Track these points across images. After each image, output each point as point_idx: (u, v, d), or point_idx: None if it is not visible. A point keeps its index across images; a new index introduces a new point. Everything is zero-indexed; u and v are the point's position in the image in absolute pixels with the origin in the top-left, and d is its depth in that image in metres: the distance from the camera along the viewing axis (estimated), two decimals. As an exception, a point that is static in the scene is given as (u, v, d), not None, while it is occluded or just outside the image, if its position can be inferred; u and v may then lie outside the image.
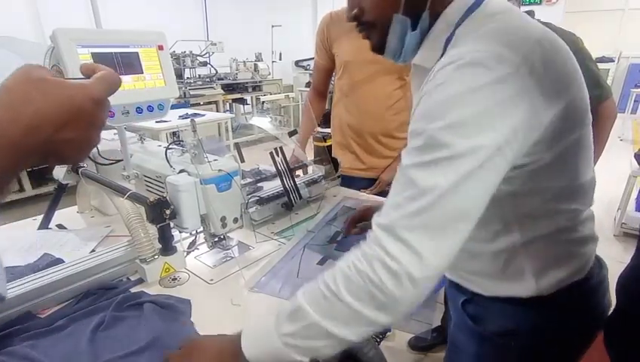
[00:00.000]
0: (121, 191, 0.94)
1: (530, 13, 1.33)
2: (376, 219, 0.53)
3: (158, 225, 0.89)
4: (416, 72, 0.66)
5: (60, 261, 0.95)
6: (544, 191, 0.61)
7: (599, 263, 0.72)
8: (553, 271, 0.65)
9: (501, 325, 0.70)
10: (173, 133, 3.52)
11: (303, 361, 0.53)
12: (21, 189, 3.61)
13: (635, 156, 2.81)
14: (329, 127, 1.78)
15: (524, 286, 0.66)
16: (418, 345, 1.90)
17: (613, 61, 6.05)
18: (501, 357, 0.72)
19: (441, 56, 0.56)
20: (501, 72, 0.49)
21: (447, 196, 0.48)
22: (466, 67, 0.50)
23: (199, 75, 5.94)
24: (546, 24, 1.21)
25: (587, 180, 0.64)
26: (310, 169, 1.55)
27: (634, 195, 3.01)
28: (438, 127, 0.49)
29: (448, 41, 0.57)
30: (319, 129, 1.59)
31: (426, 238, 0.48)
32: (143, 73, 0.92)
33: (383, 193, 1.50)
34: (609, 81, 5.72)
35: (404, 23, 0.59)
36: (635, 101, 5.42)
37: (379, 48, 0.65)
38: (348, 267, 0.51)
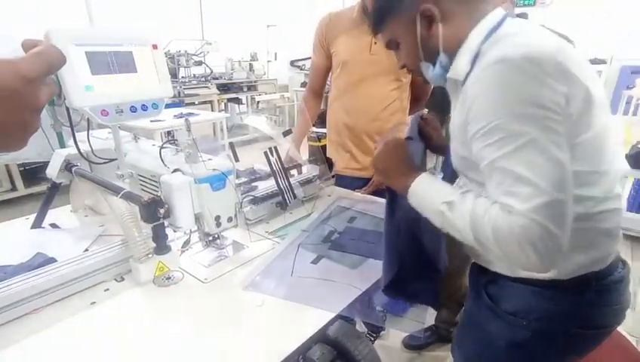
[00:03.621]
0: (115, 190, 0.93)
1: (523, 16, 1.35)
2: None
3: (152, 225, 0.89)
4: (449, 84, 0.80)
5: (52, 260, 0.94)
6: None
7: (622, 262, 0.78)
8: (572, 256, 0.70)
9: (515, 304, 0.78)
10: (168, 133, 3.50)
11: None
12: (14, 188, 3.57)
13: (626, 156, 2.84)
14: (324, 127, 1.78)
15: None
16: (412, 343, 1.92)
17: (606, 63, 6.11)
18: (513, 334, 0.78)
19: (471, 69, 0.69)
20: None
21: None
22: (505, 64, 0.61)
23: (194, 75, 5.90)
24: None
25: (605, 170, 0.68)
26: (304, 168, 1.56)
27: (625, 195, 3.04)
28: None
29: (476, 57, 0.69)
30: (314, 129, 1.59)
31: None
32: (136, 72, 0.92)
33: (377, 192, 1.51)
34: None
35: (428, 67, 0.80)
36: (626, 103, 5.48)
37: (425, 80, 0.85)
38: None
